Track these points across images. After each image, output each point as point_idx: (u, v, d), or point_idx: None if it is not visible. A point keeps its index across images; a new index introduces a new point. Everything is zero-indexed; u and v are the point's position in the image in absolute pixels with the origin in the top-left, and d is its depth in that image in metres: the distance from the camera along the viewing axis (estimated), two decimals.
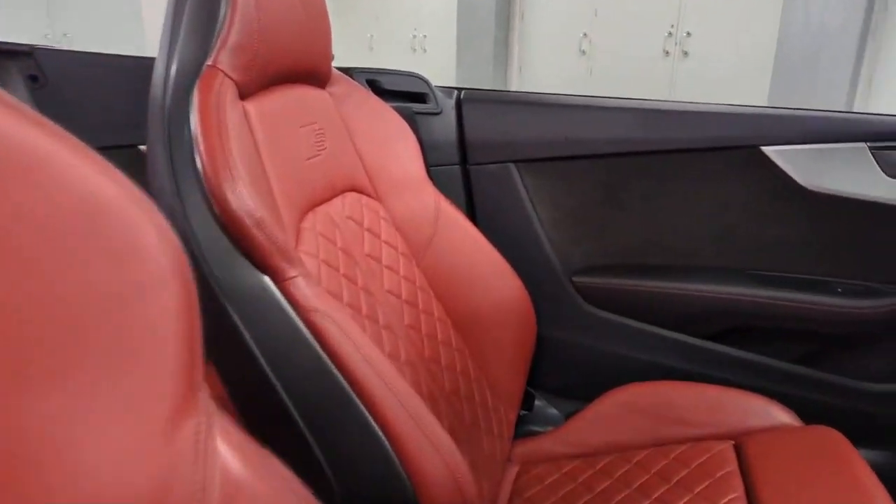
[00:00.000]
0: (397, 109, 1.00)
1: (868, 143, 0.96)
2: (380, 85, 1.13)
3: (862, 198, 0.98)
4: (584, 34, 5.13)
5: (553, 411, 1.20)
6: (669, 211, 1.13)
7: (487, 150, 1.16)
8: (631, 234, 1.16)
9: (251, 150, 0.67)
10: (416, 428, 0.60)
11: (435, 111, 1.18)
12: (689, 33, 4.66)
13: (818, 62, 4.05)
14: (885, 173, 0.96)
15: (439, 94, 1.20)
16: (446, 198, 0.97)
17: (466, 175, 1.18)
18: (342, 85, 0.94)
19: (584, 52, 5.18)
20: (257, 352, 0.59)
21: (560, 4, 5.23)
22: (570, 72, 5.27)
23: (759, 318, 1.09)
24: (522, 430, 1.17)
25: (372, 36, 6.58)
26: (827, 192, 1.00)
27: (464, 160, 1.18)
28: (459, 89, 1.20)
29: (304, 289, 0.61)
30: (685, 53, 4.71)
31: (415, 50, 6.11)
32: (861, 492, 0.73)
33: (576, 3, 5.12)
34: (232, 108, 0.65)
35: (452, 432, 0.85)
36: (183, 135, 0.62)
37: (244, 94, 0.70)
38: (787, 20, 4.12)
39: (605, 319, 1.17)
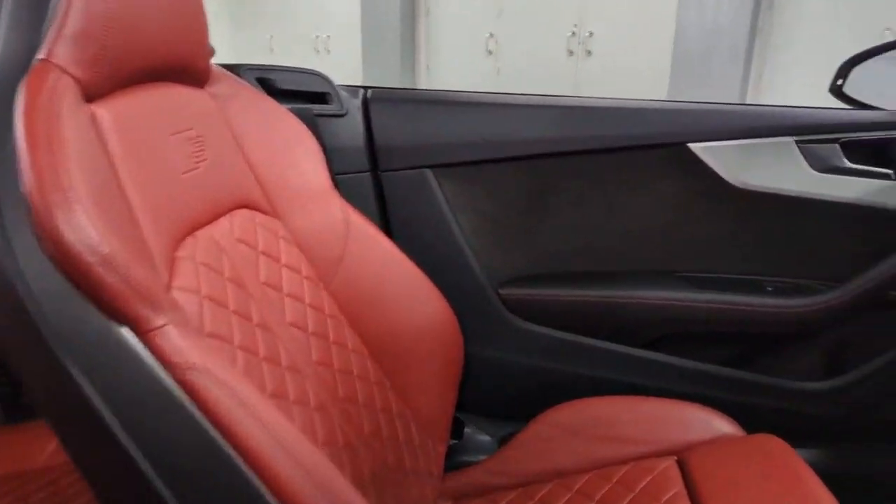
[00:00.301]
0: (295, 111, 0.87)
1: (794, 138, 0.94)
2: (273, 84, 0.99)
3: (790, 193, 0.96)
4: (491, 34, 5.14)
5: (485, 438, 1.11)
6: (598, 214, 1.07)
7: (400, 154, 1.05)
8: (559, 240, 1.09)
9: (101, 164, 0.53)
10: None
11: (339, 113, 1.05)
12: (591, 33, 4.77)
13: (712, 59, 4.25)
14: (812, 167, 0.94)
15: (343, 93, 1.08)
16: (356, 209, 0.86)
17: (378, 183, 1.07)
18: (226, 84, 0.80)
19: (490, 52, 5.18)
20: (113, 422, 0.46)
21: (465, 4, 5.21)
22: (479, 72, 5.27)
23: (695, 322, 1.04)
24: (453, 461, 1.07)
25: (272, 36, 6.30)
26: (754, 188, 0.96)
27: (374, 166, 1.06)
28: (366, 88, 1.08)
29: (175, 340, 0.48)
30: (589, 53, 4.81)
31: (318, 51, 5.90)
32: (808, 500, 0.69)
33: (481, 3, 5.12)
34: (72, 112, 0.51)
35: (375, 480, 0.74)
36: (6, 149, 0.47)
37: (92, 96, 0.56)
38: (682, 19, 4.29)
39: (537, 333, 1.09)
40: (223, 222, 0.69)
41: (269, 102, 0.84)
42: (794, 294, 0.99)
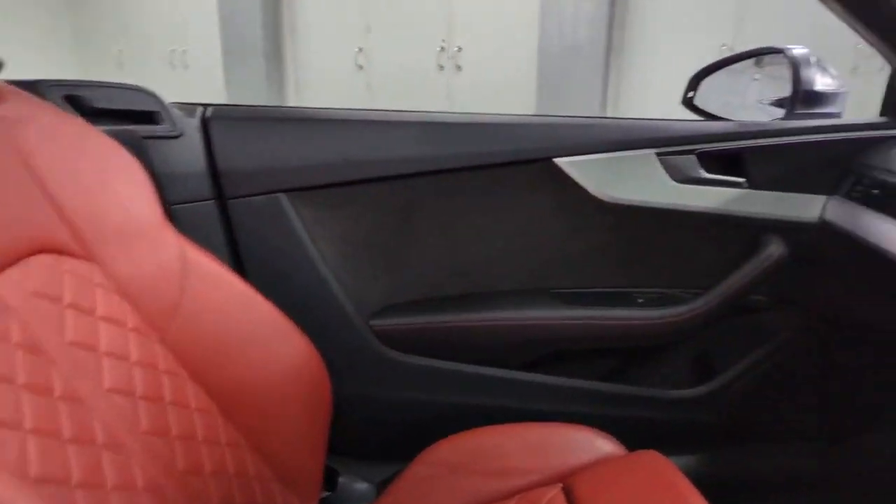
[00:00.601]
0: (115, 134, 0.74)
1: (655, 150, 0.94)
2: (86, 103, 0.84)
3: (653, 205, 0.96)
4: (360, 49, 5.07)
5: (362, 485, 1.02)
6: (469, 234, 1.02)
7: (249, 178, 0.94)
8: (431, 263, 1.03)
9: None
10: None
11: (172, 134, 0.92)
12: (460, 48, 4.84)
13: (574, 74, 4.47)
14: (673, 178, 0.95)
15: (176, 112, 0.94)
16: (197, 244, 0.74)
17: (224, 212, 0.95)
18: (19, 104, 0.66)
19: (361, 67, 5.11)
20: None
21: (332, 18, 5.10)
22: (350, 86, 5.18)
23: (572, 340, 1.02)
24: None
25: (121, 51, 5.82)
26: (620, 201, 0.96)
27: (219, 193, 0.94)
28: (205, 106, 0.96)
29: None
30: (459, 67, 4.89)
31: (174, 66, 5.52)
32: None
33: (348, 18, 5.04)
34: None
35: None
36: None
37: None
38: (545, 36, 4.48)
39: (413, 365, 1.01)
40: (13, 273, 0.55)
41: (79, 125, 0.71)
42: (664, 304, 1.00)
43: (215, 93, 5.23)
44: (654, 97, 4.43)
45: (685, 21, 4.28)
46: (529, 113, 4.61)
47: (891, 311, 0.98)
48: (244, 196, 0.94)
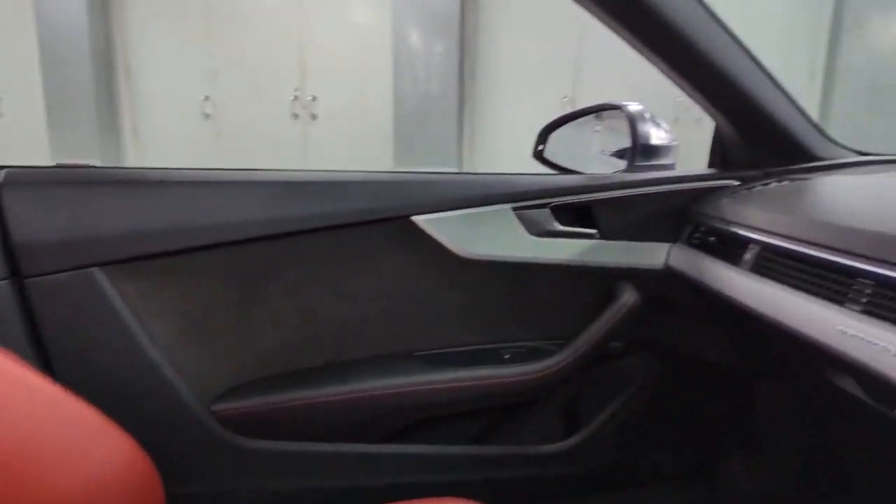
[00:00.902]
0: None
1: (511, 205, 0.93)
2: None
3: (513, 259, 0.95)
4: (206, 97, 4.83)
5: None
6: (324, 299, 0.94)
7: (53, 252, 0.79)
8: (282, 335, 0.93)
9: None
10: None
11: None
12: (314, 97, 4.78)
13: (430, 123, 4.58)
14: (530, 232, 0.94)
15: None
16: None
17: (21, 293, 0.79)
18: None
19: (208, 116, 4.86)
20: None
21: (173, 64, 4.82)
22: (196, 135, 4.89)
23: (440, 404, 0.97)
24: None
25: None
26: (480, 257, 0.94)
27: (13, 271, 0.78)
28: None
29: None
30: (313, 116, 4.81)
31: None
32: None
33: (191, 64, 4.79)
34: None
35: None
36: None
37: None
38: (399, 87, 4.57)
39: (265, 451, 0.90)
40: None
41: None
42: (531, 358, 0.98)
43: (36, 144, 4.70)
44: (506, 144, 4.65)
45: (531, 73, 4.57)
46: (389, 160, 4.64)
47: (731, 349, 1.04)
48: (47, 273, 0.79)
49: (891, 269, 0.58)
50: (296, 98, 4.77)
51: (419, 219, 0.90)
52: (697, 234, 0.94)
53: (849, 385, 0.68)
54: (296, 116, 4.79)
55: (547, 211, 0.96)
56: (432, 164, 4.52)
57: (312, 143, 4.83)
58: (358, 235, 0.91)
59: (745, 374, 1.07)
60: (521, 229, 0.94)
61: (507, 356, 1.00)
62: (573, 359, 0.96)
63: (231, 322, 0.90)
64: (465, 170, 4.71)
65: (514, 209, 0.94)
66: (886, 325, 0.56)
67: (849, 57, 4.26)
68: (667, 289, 0.99)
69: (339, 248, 0.92)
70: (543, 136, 1.17)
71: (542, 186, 0.96)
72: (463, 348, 1.01)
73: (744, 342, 1.00)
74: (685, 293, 0.96)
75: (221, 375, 0.90)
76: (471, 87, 4.69)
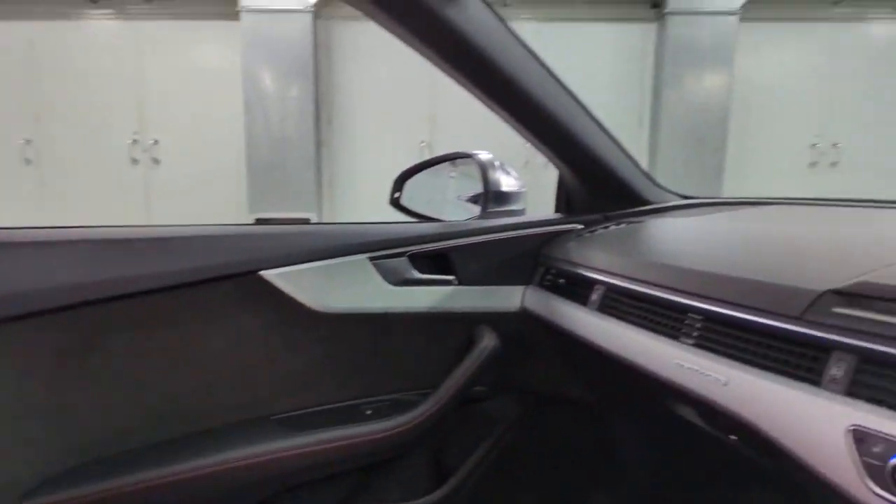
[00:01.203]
0: None
1: (368, 254, 0.91)
2: None
3: (371, 310, 0.92)
4: (28, 140, 4.35)
5: None
6: (165, 366, 0.84)
7: None
8: (113, 411, 0.82)
9: None
10: None
11: None
12: (156, 141, 4.49)
13: (286, 168, 4.46)
14: (388, 281, 0.92)
15: None
16: None
17: None
18: None
19: (30, 161, 4.37)
20: None
21: None
22: (18, 182, 4.38)
23: (300, 470, 0.90)
24: None
25: None
26: (337, 310, 0.90)
27: None
28: None
29: None
30: (156, 161, 4.51)
31: None
32: None
33: (10, 105, 4.31)
34: None
35: None
36: None
37: None
38: (251, 131, 4.42)
39: None
40: None
41: None
42: (393, 412, 0.95)
43: None
44: (367, 188, 4.65)
45: (389, 118, 4.64)
46: (242, 207, 4.44)
47: (586, 386, 1.08)
48: None
49: (716, 305, 0.63)
50: (135, 142, 4.45)
51: (269, 273, 0.85)
52: (549, 276, 0.97)
53: (689, 415, 0.72)
54: (135, 161, 4.46)
55: (405, 259, 0.95)
56: (290, 209, 4.40)
57: (155, 188, 4.51)
58: (202, 295, 0.84)
59: (602, 410, 1.12)
60: (379, 279, 0.92)
61: (369, 412, 0.96)
62: (437, 408, 0.94)
63: (47, 400, 0.78)
64: (324, 214, 4.63)
65: (371, 259, 0.91)
66: (716, 356, 0.60)
67: (669, 108, 4.82)
68: (524, 330, 1.01)
69: (181, 308, 0.84)
70: (399, 184, 1.16)
71: (398, 235, 0.95)
72: (323, 407, 0.96)
73: (596, 379, 1.04)
74: (541, 334, 0.98)
75: (35, 465, 0.77)
76: (328, 132, 4.66)
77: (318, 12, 4.43)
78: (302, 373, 0.94)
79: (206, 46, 4.49)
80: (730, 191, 4.79)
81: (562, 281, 0.93)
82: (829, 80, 4.90)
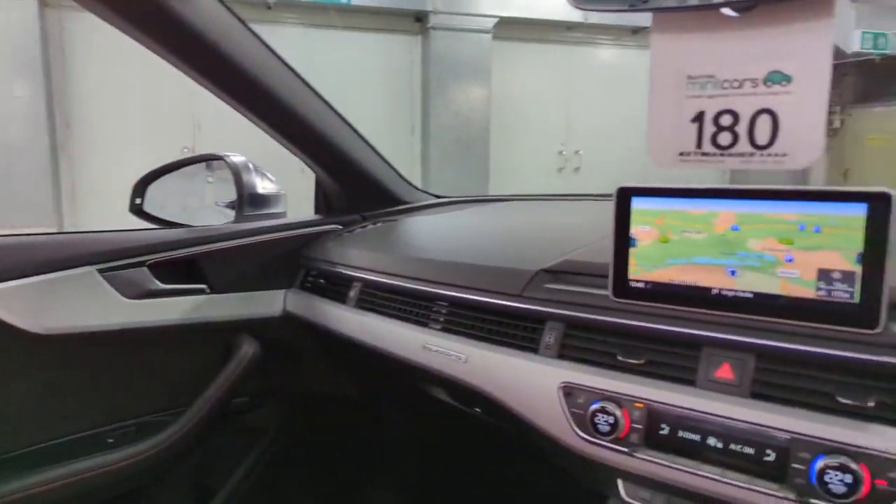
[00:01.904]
0: None
1: (97, 266, 0.81)
2: None
3: (104, 328, 0.82)
4: None
5: None
6: None
7: None
8: None
9: None
10: None
11: None
12: None
13: (15, 179, 3.82)
14: (124, 295, 0.83)
15: None
16: None
17: None
18: None
19: None
20: None
21: None
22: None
23: None
24: None
25: None
26: (60, 331, 0.79)
27: None
28: None
29: None
30: None
31: None
32: None
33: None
34: None
35: None
36: None
37: None
38: None
39: None
40: None
41: None
42: (142, 436, 0.85)
43: None
44: (119, 197, 4.17)
45: (146, 123, 4.22)
46: None
47: (352, 382, 1.10)
48: None
49: (458, 291, 0.69)
50: None
51: None
52: (310, 278, 0.96)
53: (441, 394, 0.77)
54: None
55: (144, 269, 0.86)
56: (22, 221, 3.77)
57: None
58: None
59: (368, 403, 1.14)
60: (113, 293, 0.82)
61: (110, 440, 0.86)
62: (191, 426, 0.87)
63: None
64: (66, 227, 4.05)
65: (101, 271, 0.81)
66: (458, 337, 0.66)
67: (438, 118, 5.12)
68: (287, 334, 0.99)
69: None
70: (141, 189, 1.06)
71: (136, 243, 0.86)
72: (52, 442, 0.83)
73: (360, 374, 1.06)
74: (304, 336, 0.97)
75: None
76: (66, 137, 4.09)
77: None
78: (24, 405, 0.81)
79: None
80: (495, 191, 5.26)
81: (322, 281, 0.93)
82: (569, 96, 5.64)
